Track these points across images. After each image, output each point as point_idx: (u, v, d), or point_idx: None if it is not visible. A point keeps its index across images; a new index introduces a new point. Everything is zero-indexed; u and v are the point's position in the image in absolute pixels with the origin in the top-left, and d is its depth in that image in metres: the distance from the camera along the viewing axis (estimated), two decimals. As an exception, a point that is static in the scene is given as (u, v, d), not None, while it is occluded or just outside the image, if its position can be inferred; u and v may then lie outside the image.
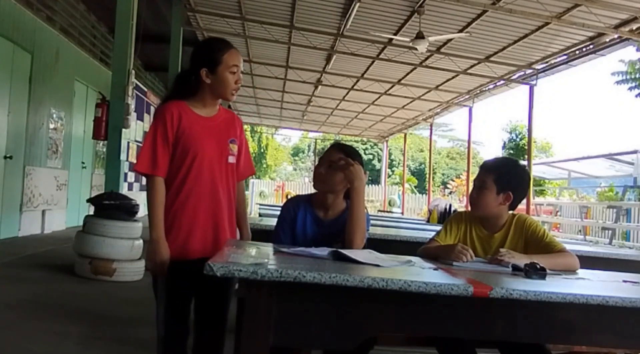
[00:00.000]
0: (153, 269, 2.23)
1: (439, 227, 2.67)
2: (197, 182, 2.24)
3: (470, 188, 2.62)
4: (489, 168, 2.52)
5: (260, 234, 2.94)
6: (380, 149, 29.64)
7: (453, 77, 12.98)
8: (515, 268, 2.07)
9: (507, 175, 2.48)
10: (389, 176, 29.90)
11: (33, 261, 6.04)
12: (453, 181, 31.91)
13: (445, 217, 6.11)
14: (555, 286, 1.84)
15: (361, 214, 2.33)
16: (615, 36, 9.04)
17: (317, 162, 2.56)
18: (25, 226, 7.99)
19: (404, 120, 19.09)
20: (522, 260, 2.11)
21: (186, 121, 2.25)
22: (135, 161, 7.36)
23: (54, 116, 8.84)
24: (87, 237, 5.39)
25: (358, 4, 8.67)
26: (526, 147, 15.14)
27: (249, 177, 2.80)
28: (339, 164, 2.37)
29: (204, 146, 2.26)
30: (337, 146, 2.49)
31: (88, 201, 6.18)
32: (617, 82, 18.37)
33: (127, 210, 5.65)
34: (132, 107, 6.60)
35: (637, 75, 18.03)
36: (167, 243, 2.19)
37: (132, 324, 3.99)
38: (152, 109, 8.55)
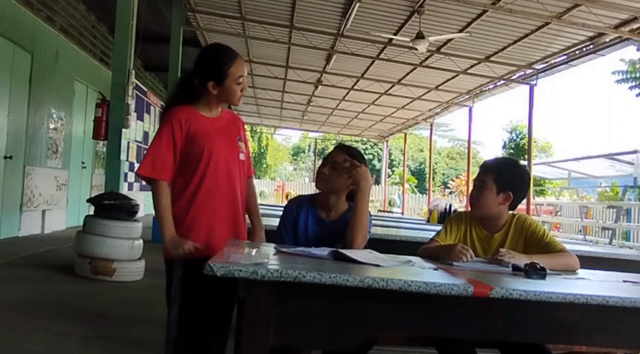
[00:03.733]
0: (181, 256, 2.15)
1: (439, 227, 2.67)
2: (215, 180, 2.25)
3: (470, 188, 2.62)
4: (488, 168, 2.52)
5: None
6: (380, 149, 29.65)
7: (453, 77, 12.99)
8: (515, 268, 2.07)
9: (507, 175, 2.48)
10: (389, 176, 29.88)
11: (33, 261, 6.03)
12: (453, 181, 31.91)
13: (445, 217, 6.11)
14: (555, 286, 1.84)
15: (365, 214, 2.33)
16: (615, 36, 9.04)
17: (319, 163, 2.56)
18: (25, 226, 7.98)
19: (404, 120, 19.10)
20: (522, 260, 2.11)
21: (196, 125, 2.25)
22: (135, 161, 7.38)
23: (54, 116, 8.84)
24: (87, 237, 5.39)
25: (358, 4, 8.67)
26: (526, 147, 15.14)
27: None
28: (344, 166, 2.37)
29: (218, 144, 2.27)
30: (342, 147, 2.47)
31: (88, 201, 6.17)
32: (618, 81, 18.35)
33: (127, 210, 5.65)
34: (132, 107, 6.60)
35: (638, 75, 18.01)
36: (182, 238, 2.16)
37: (132, 324, 3.98)
38: (152, 109, 8.54)
